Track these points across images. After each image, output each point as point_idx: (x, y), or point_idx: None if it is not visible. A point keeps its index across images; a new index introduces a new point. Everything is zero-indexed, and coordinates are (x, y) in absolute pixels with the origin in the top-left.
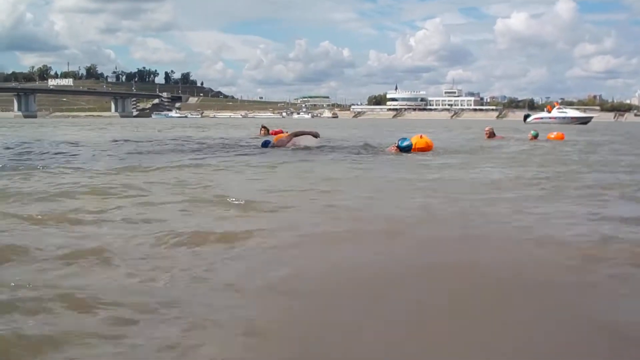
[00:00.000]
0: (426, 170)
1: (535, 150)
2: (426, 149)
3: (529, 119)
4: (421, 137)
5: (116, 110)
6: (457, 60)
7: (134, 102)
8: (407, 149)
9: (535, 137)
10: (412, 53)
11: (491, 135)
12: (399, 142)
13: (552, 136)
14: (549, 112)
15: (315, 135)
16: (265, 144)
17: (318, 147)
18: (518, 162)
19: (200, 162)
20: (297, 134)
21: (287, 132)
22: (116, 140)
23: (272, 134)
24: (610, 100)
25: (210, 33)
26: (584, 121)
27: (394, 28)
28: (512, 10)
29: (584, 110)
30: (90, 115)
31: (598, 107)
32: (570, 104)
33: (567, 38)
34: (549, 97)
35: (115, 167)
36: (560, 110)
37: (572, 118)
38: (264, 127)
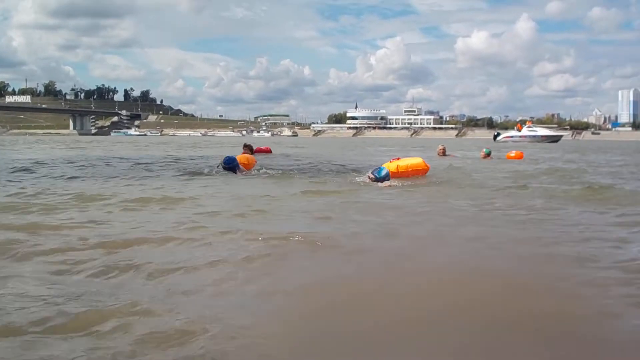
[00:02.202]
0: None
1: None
2: (413, 173)
3: (499, 138)
4: (395, 160)
5: (74, 127)
6: (417, 79)
7: (93, 120)
8: (384, 179)
9: (488, 155)
10: (373, 72)
11: (444, 153)
12: (375, 174)
13: (512, 155)
14: (519, 130)
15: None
16: (229, 162)
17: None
18: None
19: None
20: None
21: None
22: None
23: (256, 151)
24: (567, 119)
25: (171, 50)
26: (554, 140)
27: (355, 47)
28: (472, 30)
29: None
30: (48, 133)
31: (556, 126)
32: None
33: (526, 57)
34: (507, 116)
35: None
36: (531, 129)
37: (542, 137)
38: (246, 145)
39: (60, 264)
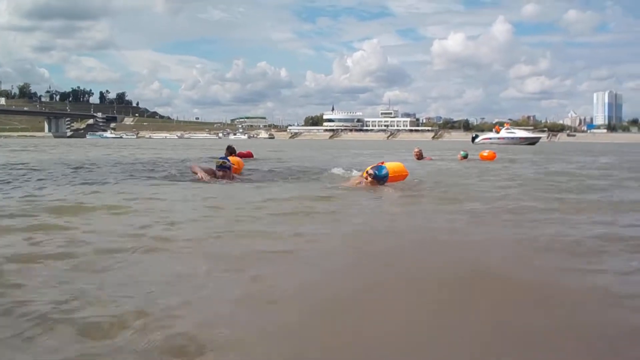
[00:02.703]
0: None
1: None
2: (397, 178)
3: (477, 140)
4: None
5: (50, 130)
6: (393, 81)
7: (68, 122)
8: (383, 179)
9: (465, 157)
10: (349, 74)
11: (420, 156)
12: (375, 172)
13: (485, 154)
14: (497, 132)
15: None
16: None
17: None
18: None
19: None
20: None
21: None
22: None
23: (238, 155)
24: (543, 121)
25: (147, 52)
26: (532, 142)
27: (332, 49)
28: (448, 32)
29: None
30: (23, 136)
31: (532, 128)
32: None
33: (502, 59)
34: (483, 118)
35: None
36: (509, 130)
37: (520, 138)
38: (229, 148)
39: None
